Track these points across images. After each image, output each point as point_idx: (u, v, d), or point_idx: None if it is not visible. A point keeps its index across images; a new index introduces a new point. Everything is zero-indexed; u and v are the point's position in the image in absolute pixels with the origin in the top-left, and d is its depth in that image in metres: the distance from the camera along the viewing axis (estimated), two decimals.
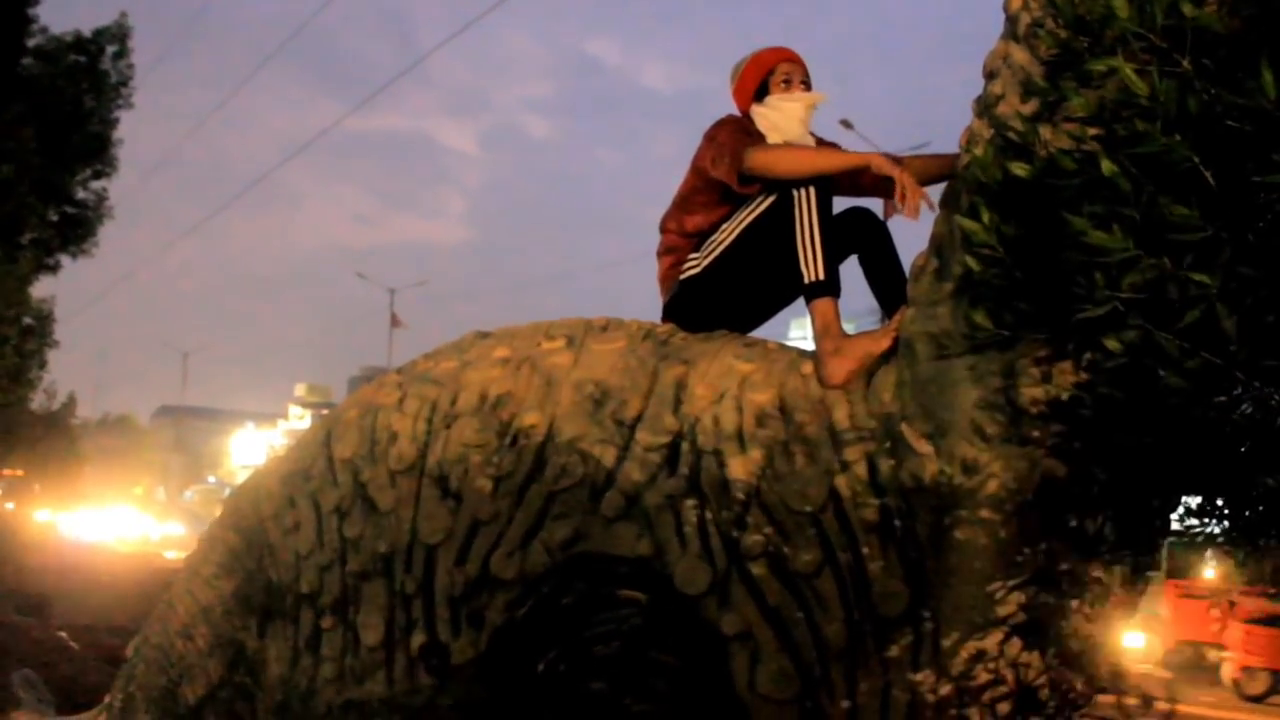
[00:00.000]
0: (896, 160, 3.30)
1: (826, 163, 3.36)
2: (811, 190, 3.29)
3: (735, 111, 3.76)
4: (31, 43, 21.80)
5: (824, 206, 3.29)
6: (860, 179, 3.61)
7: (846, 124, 25.90)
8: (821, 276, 3.26)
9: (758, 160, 3.39)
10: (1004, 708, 2.91)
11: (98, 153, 22.76)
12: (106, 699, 4.07)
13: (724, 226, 3.49)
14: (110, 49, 22.92)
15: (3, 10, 20.82)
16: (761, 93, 3.71)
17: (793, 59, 3.74)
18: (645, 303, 3.73)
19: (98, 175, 23.09)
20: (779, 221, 3.33)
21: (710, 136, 3.56)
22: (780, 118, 3.63)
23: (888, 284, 3.45)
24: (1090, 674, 3.08)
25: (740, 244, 3.45)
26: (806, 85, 3.73)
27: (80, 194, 23.03)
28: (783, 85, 3.70)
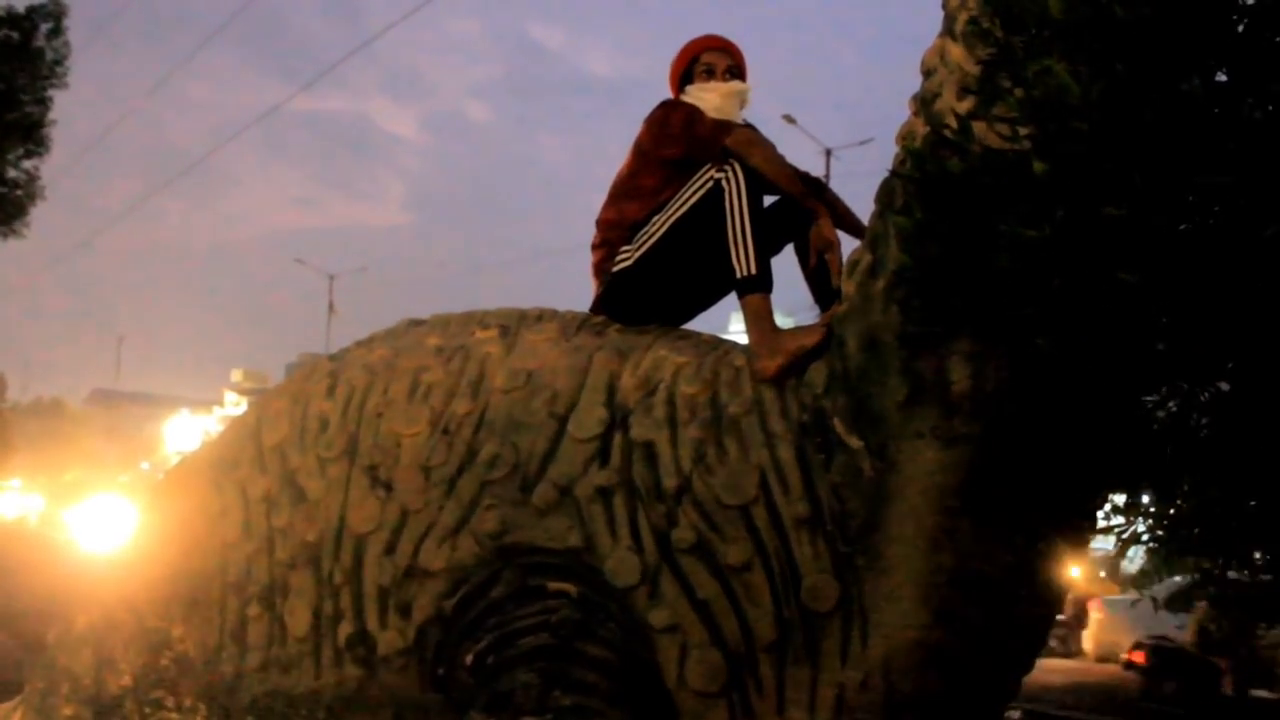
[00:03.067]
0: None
1: (789, 182, 3.45)
2: (741, 183, 3.28)
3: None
4: None
5: (754, 200, 3.29)
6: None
7: (789, 119, 26.03)
8: (753, 271, 3.26)
9: (739, 139, 3.42)
10: (934, 703, 2.93)
11: (30, 132, 22.25)
12: (27, 688, 3.99)
13: (655, 219, 3.46)
14: (45, 26, 22.43)
15: None
16: (687, 81, 3.71)
17: (719, 47, 3.75)
18: (584, 293, 3.70)
19: (29, 155, 22.57)
20: (709, 214, 3.32)
21: (659, 120, 3.54)
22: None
23: (823, 277, 3.46)
24: (1021, 669, 3.11)
25: (670, 236, 3.43)
26: (734, 74, 3.73)
27: (11, 173, 22.51)
28: (704, 74, 3.70)
